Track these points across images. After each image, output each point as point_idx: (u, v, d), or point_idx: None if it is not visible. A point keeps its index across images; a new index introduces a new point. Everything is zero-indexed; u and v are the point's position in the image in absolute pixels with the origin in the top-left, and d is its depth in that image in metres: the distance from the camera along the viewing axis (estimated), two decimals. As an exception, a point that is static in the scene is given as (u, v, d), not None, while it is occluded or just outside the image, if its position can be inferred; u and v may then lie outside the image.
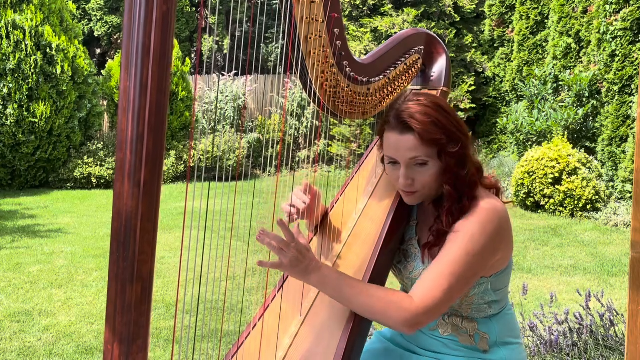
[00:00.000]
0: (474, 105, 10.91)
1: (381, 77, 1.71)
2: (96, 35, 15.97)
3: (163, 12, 0.94)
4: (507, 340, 1.57)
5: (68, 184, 9.55)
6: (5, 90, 8.79)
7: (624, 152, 7.24)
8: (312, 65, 1.50)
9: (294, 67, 1.47)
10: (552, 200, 7.17)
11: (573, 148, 7.61)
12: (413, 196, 1.52)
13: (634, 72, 7.14)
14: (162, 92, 0.96)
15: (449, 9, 11.19)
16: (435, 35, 1.93)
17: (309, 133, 10.61)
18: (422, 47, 1.86)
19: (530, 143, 8.47)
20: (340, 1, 1.53)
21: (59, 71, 9.08)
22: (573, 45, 8.48)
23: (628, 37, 7.21)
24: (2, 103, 8.85)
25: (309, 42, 1.48)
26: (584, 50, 8.36)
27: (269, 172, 9.58)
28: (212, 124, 10.64)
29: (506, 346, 1.55)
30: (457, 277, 1.38)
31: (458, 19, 11.31)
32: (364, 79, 1.65)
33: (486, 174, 1.57)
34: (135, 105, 0.96)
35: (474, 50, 11.32)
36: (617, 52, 7.31)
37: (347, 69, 1.59)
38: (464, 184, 1.46)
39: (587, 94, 8.03)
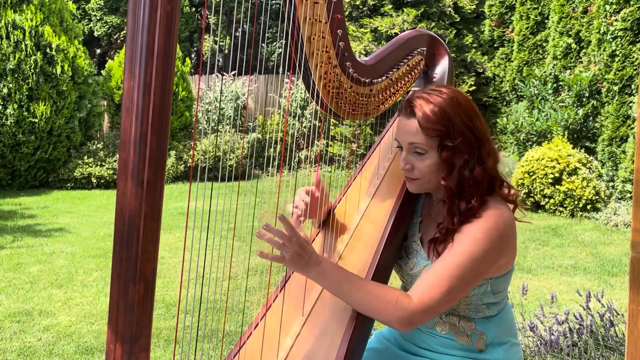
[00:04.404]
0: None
1: (384, 78, 1.71)
2: (96, 35, 15.97)
3: (167, 12, 0.94)
4: (504, 340, 1.57)
5: (68, 184, 9.55)
6: (5, 90, 8.79)
7: (624, 152, 7.25)
8: (315, 66, 1.50)
9: (297, 67, 1.47)
10: (552, 200, 7.18)
11: (573, 148, 7.61)
12: (413, 183, 1.54)
13: (634, 72, 7.14)
14: (165, 92, 0.97)
15: (449, 9, 11.19)
16: (437, 36, 1.93)
17: (310, 133, 10.61)
18: (424, 48, 1.86)
19: (530, 143, 8.47)
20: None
21: (59, 71, 9.08)
22: (573, 45, 8.49)
23: (628, 37, 7.21)
24: (2, 103, 8.85)
25: (312, 42, 1.48)
26: (584, 50, 8.36)
27: (269, 172, 9.59)
28: (213, 124, 10.65)
29: (502, 346, 1.56)
30: (458, 279, 1.38)
31: (458, 19, 11.31)
32: (367, 80, 1.65)
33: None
34: (139, 105, 0.96)
35: (474, 50, 11.32)
36: (617, 52, 7.32)
37: (350, 70, 1.59)
38: (468, 184, 1.46)
39: (587, 94, 8.03)
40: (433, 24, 11.09)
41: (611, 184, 7.46)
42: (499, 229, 1.43)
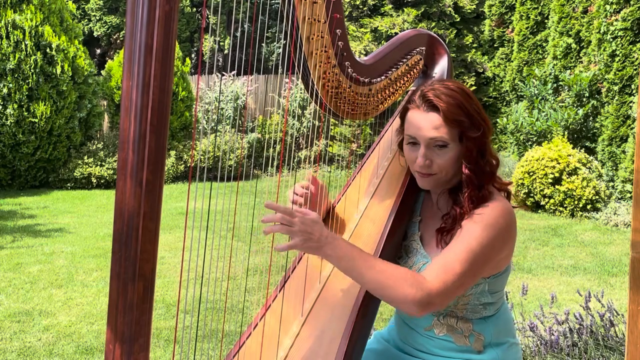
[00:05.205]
0: (474, 105, 10.93)
1: (383, 77, 1.71)
2: (96, 36, 15.98)
3: (165, 11, 0.94)
4: (502, 340, 1.57)
5: (68, 184, 9.55)
6: (5, 90, 8.79)
7: (624, 152, 7.24)
8: (314, 66, 1.50)
9: (296, 67, 1.47)
10: (552, 200, 7.17)
11: (573, 148, 7.61)
12: (428, 179, 1.52)
13: (634, 72, 7.14)
14: (164, 92, 0.96)
15: (449, 9, 11.20)
16: (436, 36, 1.93)
17: (310, 133, 10.62)
18: (423, 48, 1.86)
19: (530, 143, 8.48)
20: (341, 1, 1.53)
21: (59, 71, 9.08)
22: (573, 45, 8.49)
23: (628, 37, 7.21)
24: (2, 103, 8.85)
25: (311, 42, 1.47)
26: (584, 50, 8.36)
27: (269, 172, 9.58)
28: (212, 124, 10.65)
29: (501, 346, 1.56)
30: (470, 263, 1.39)
31: (458, 19, 11.32)
32: (366, 80, 1.65)
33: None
34: (138, 104, 0.96)
35: (474, 50, 11.32)
36: (617, 52, 7.32)
37: (349, 70, 1.59)
38: (483, 172, 1.49)
39: (587, 94, 8.03)
40: (433, 24, 11.09)
41: (611, 184, 7.46)
42: (505, 218, 1.46)
